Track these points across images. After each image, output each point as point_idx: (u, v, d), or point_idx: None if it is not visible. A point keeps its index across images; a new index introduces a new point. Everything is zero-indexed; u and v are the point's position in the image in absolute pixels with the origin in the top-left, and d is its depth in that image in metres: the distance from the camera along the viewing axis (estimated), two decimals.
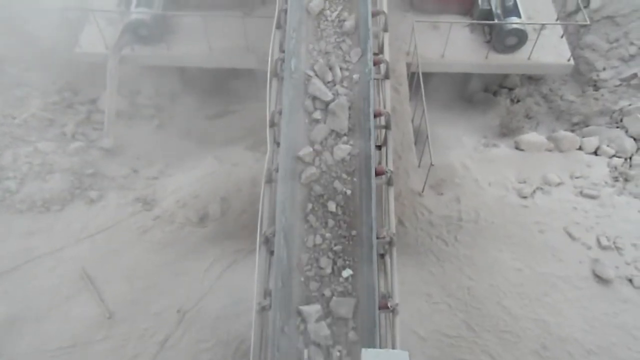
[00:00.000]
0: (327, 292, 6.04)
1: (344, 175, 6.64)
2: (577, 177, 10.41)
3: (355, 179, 6.60)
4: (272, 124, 6.82)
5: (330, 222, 6.38)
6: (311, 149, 6.66)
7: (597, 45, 13.04)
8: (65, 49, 11.76)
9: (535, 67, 12.16)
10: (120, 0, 12.25)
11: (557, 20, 12.60)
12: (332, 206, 6.44)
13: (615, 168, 10.61)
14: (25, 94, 11.65)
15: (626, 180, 10.39)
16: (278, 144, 6.68)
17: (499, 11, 11.77)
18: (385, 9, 7.94)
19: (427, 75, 10.75)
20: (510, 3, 11.77)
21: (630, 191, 10.17)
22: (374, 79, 7.24)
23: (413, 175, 10.14)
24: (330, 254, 6.22)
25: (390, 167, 6.77)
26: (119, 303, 8.63)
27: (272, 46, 7.27)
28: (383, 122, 7.11)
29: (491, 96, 13.25)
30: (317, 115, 6.89)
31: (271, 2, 7.90)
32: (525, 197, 10.02)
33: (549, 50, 11.98)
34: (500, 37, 11.63)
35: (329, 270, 6.13)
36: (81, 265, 9.00)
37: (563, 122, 12.33)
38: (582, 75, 12.94)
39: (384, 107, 7.26)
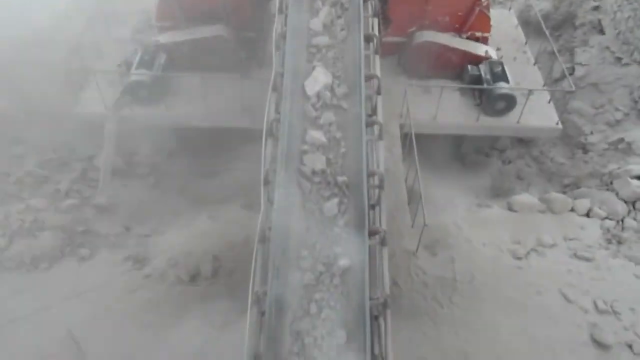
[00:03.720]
0: None
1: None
2: (570, 239, 10.41)
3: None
4: (267, 182, 6.87)
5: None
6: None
7: (584, 110, 13.46)
8: (65, 109, 11.99)
9: (524, 130, 12.48)
10: (121, 62, 12.64)
11: (543, 86, 13.06)
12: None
13: (608, 230, 10.64)
14: (22, 151, 11.76)
15: (619, 242, 10.39)
16: (272, 203, 6.68)
17: (488, 76, 12.22)
18: (378, 73, 8.22)
19: (419, 136, 10.97)
20: (499, 69, 12.25)
21: (625, 254, 10.15)
22: (368, 140, 7.38)
23: (407, 235, 10.12)
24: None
25: (384, 226, 6.76)
26: None
27: (268, 107, 7.46)
28: (377, 182, 7.17)
29: (483, 158, 13.49)
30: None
31: (268, 65, 8.17)
32: (519, 258, 9.97)
33: (537, 114, 12.34)
34: (490, 101, 12.00)
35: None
36: (67, 325, 8.72)
37: (554, 184, 12.49)
38: (570, 138, 13.26)
39: (378, 167, 7.35)
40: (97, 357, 8.39)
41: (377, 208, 7.07)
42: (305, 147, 7.08)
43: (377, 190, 7.16)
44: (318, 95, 7.54)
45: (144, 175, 12.24)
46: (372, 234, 6.51)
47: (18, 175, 11.09)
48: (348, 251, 6.23)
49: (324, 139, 7.15)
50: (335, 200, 6.61)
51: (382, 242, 6.64)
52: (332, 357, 5.64)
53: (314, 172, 6.82)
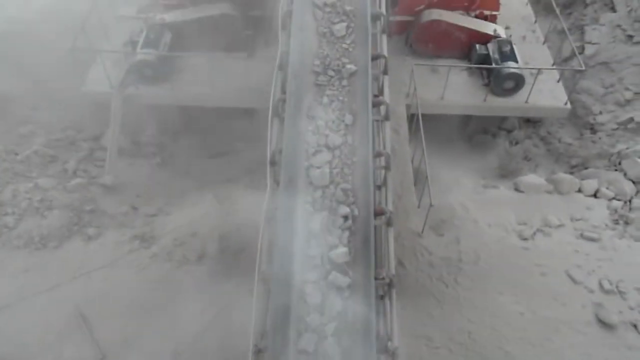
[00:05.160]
0: None
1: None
2: (577, 220, 10.38)
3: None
4: (273, 163, 6.86)
5: None
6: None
7: (593, 90, 13.28)
8: (72, 89, 11.97)
9: (533, 110, 12.35)
10: (126, 42, 12.56)
11: (553, 65, 12.88)
12: None
13: (615, 211, 10.59)
14: (29, 131, 11.79)
15: (627, 223, 10.36)
16: (278, 183, 6.69)
17: (496, 56, 12.05)
18: (385, 52, 8.13)
19: (426, 117, 10.90)
20: (507, 48, 12.07)
21: (631, 234, 10.13)
22: (375, 120, 7.33)
23: (413, 215, 10.12)
24: None
25: (390, 207, 6.77)
26: (112, 343, 8.44)
27: (274, 86, 7.40)
28: (383, 163, 7.15)
29: (490, 138, 13.39)
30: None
31: (274, 44, 8.09)
32: (525, 239, 9.97)
33: (546, 94, 12.20)
34: (498, 81, 11.86)
35: None
36: (76, 304, 8.85)
37: (562, 165, 12.41)
38: (579, 118, 13.11)
39: (384, 147, 7.32)
40: (104, 335, 8.52)
41: (383, 189, 7.07)
42: None
43: (383, 171, 7.15)
44: None
45: (150, 154, 12.25)
46: (378, 214, 6.51)
47: (26, 154, 11.13)
48: (354, 61, 7.59)
49: None
50: (344, 24, 7.91)
51: (388, 223, 6.66)
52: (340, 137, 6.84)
53: (325, 3, 8.08)
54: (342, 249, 6.03)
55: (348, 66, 7.53)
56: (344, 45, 7.76)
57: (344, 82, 7.39)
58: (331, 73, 7.47)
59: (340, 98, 7.24)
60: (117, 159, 11.50)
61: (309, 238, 6.12)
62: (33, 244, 9.64)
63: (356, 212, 6.37)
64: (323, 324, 5.65)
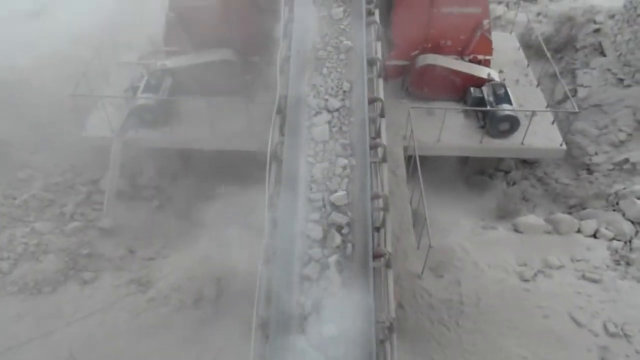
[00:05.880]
0: None
1: None
2: (578, 260, 10.30)
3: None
4: (271, 206, 6.86)
5: None
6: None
7: (588, 131, 13.47)
8: (72, 134, 12.11)
9: (529, 151, 12.48)
10: (128, 87, 12.81)
11: (546, 107, 13.12)
12: None
13: (616, 251, 10.53)
14: (28, 176, 11.84)
15: (628, 264, 10.27)
16: (276, 226, 6.68)
17: (491, 99, 12.28)
18: (382, 96, 8.28)
19: (423, 158, 10.99)
20: (501, 91, 12.32)
21: (633, 275, 10.02)
22: (372, 162, 7.39)
23: (412, 257, 10.05)
24: None
25: (389, 249, 6.73)
26: None
27: (273, 130, 7.51)
28: (381, 205, 7.16)
29: (487, 179, 13.47)
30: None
31: (273, 89, 8.27)
32: (526, 280, 9.85)
33: (541, 135, 12.36)
34: (494, 123, 12.04)
35: None
36: (70, 350, 8.63)
37: (560, 205, 12.42)
38: (575, 159, 13.24)
39: (382, 189, 7.34)
40: None
41: (381, 230, 7.04)
42: None
43: (382, 213, 7.14)
44: None
45: (148, 197, 12.26)
46: (377, 256, 6.47)
47: (23, 198, 11.14)
48: (350, 39, 8.63)
49: None
50: (341, 8, 9.09)
51: (387, 265, 6.60)
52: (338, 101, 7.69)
53: None
54: (341, 193, 6.74)
55: (345, 42, 8.61)
56: (341, 26, 8.93)
57: (342, 56, 8.43)
58: (330, 49, 8.53)
59: (339, 70, 8.23)
60: (116, 202, 11.50)
61: (311, 184, 6.88)
62: (27, 289, 9.50)
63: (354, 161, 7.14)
64: (325, 256, 6.26)
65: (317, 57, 8.40)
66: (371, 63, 8.56)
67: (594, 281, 9.81)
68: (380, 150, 7.70)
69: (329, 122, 7.54)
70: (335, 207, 6.69)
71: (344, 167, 7.08)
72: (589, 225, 11.06)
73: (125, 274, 9.99)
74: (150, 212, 11.96)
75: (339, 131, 7.49)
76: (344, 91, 7.95)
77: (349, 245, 6.48)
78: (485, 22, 12.57)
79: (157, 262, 10.39)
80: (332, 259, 6.25)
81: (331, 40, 8.68)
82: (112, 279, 9.88)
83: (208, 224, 11.54)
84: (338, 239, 6.40)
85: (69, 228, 10.67)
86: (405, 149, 11.94)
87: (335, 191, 6.81)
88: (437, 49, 12.83)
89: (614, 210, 11.48)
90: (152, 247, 10.80)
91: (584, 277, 9.91)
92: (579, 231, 11.03)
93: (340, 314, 5.74)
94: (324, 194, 6.79)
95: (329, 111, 7.69)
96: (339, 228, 6.58)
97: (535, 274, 9.96)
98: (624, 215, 11.22)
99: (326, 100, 7.79)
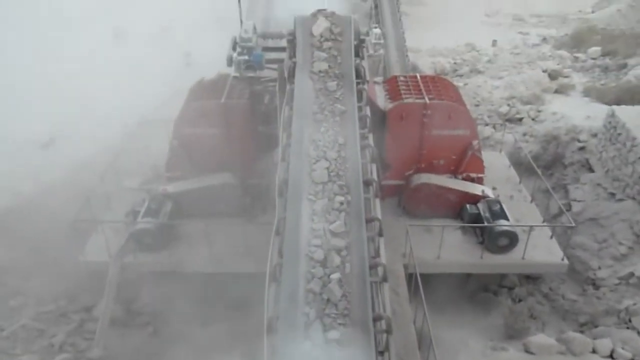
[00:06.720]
0: None
1: None
2: None
3: None
4: (270, 330, 6.59)
5: None
6: None
7: (587, 245, 13.45)
8: (69, 258, 12.02)
9: (530, 266, 12.33)
10: (129, 212, 12.98)
11: (543, 222, 13.22)
12: None
13: None
14: (20, 303, 11.53)
15: None
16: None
17: (487, 215, 12.42)
18: (379, 215, 8.37)
19: (425, 276, 10.81)
20: (497, 207, 12.50)
21: None
22: (373, 282, 7.25)
23: None
24: None
25: None
26: None
27: (271, 251, 7.47)
28: (384, 327, 6.88)
29: (492, 296, 13.12)
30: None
31: (272, 210, 8.39)
32: None
33: (541, 250, 12.30)
34: (493, 238, 12.05)
35: None
36: None
37: (570, 322, 11.98)
38: (578, 274, 13.04)
39: (384, 310, 7.11)
40: None
41: (385, 354, 6.69)
42: None
43: (385, 335, 6.85)
44: None
45: (142, 324, 11.81)
46: None
47: (12, 330, 10.72)
48: (344, 104, 9.40)
49: None
50: (335, 82, 9.71)
51: None
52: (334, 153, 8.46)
53: (319, 71, 9.80)
54: (339, 222, 7.51)
55: (339, 107, 9.31)
56: (335, 96, 9.62)
57: (337, 118, 9.16)
58: (326, 113, 9.23)
59: (335, 129, 8.96)
60: (109, 330, 11.05)
61: (312, 217, 7.67)
62: None
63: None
64: (327, 274, 6.91)
65: (316, 119, 9.15)
66: (367, 184, 8.76)
67: None
68: (380, 270, 7.59)
69: (327, 168, 8.27)
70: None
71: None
72: (604, 345, 10.55)
73: None
74: (144, 340, 11.44)
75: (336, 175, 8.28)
76: (340, 144, 8.72)
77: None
78: (475, 142, 13.17)
79: None
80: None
81: (328, 107, 9.41)
82: None
83: (205, 350, 11.02)
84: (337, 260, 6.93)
85: None
86: (406, 266, 11.79)
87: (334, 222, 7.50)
88: (431, 169, 13.28)
89: (627, 327, 11.04)
90: None
91: None
92: (593, 351, 10.51)
93: None
94: None
95: (327, 160, 8.40)
96: None
97: None
98: (638, 333, 10.77)
99: (325, 151, 8.53)
